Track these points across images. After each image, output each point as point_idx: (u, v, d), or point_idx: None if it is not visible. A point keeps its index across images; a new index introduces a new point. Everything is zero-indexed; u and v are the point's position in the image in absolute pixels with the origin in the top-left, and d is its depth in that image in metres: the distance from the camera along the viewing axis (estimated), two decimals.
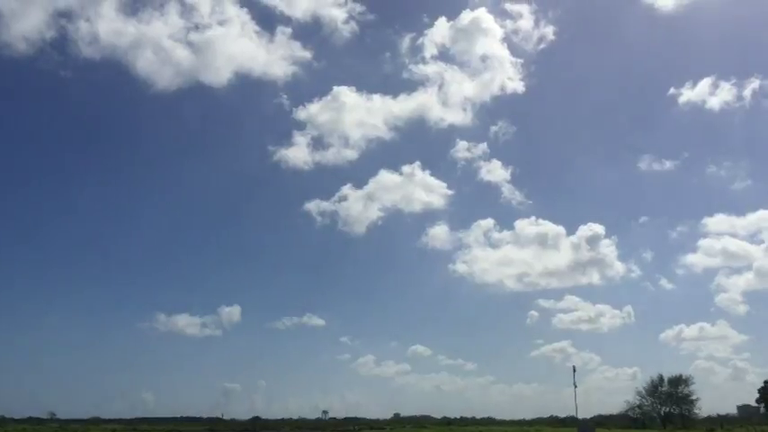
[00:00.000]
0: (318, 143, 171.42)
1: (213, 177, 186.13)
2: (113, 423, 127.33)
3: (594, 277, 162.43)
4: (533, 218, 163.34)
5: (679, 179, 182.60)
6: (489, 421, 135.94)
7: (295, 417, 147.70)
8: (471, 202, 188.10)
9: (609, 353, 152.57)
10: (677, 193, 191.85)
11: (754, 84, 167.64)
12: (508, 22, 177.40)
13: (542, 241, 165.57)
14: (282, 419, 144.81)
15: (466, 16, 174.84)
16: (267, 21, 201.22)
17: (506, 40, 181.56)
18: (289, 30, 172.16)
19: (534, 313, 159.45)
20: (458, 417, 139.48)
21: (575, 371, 79.45)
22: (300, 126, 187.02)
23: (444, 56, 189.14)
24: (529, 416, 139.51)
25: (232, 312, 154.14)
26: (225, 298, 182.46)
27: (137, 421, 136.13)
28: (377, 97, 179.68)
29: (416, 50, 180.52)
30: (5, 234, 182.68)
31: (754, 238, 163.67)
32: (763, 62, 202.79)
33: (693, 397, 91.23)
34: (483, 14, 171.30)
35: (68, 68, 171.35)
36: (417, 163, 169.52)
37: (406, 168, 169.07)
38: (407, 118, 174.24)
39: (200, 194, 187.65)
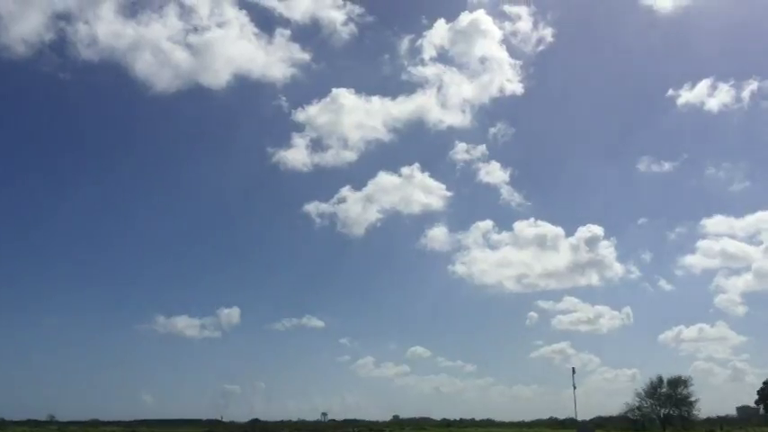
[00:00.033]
0: (317, 145, 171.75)
1: (212, 179, 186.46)
2: (112, 425, 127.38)
3: (593, 278, 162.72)
4: (532, 219, 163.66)
5: (678, 180, 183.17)
6: (489, 423, 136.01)
7: (294, 418, 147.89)
8: (470, 203, 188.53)
9: (608, 354, 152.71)
10: (676, 195, 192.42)
11: (753, 85, 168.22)
12: (507, 24, 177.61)
13: (541, 242, 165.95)
14: (282, 421, 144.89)
15: (464, 18, 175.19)
16: (266, 23, 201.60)
17: (505, 41, 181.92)
18: (287, 32, 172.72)
19: (533, 314, 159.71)
20: (457, 418, 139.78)
21: (574, 372, 79.82)
22: (299, 128, 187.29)
23: (443, 58, 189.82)
24: (528, 417, 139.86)
25: (231, 314, 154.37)
26: (224, 299, 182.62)
27: (136, 423, 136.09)
28: (376, 99, 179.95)
29: (415, 52, 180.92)
30: (4, 235, 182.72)
31: (752, 239, 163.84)
32: (762, 64, 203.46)
33: (693, 398, 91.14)
34: (482, 16, 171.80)
35: (67, 71, 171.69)
36: (416, 164, 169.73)
37: (405, 170, 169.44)
38: (406, 120, 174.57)
39: (199, 196, 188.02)
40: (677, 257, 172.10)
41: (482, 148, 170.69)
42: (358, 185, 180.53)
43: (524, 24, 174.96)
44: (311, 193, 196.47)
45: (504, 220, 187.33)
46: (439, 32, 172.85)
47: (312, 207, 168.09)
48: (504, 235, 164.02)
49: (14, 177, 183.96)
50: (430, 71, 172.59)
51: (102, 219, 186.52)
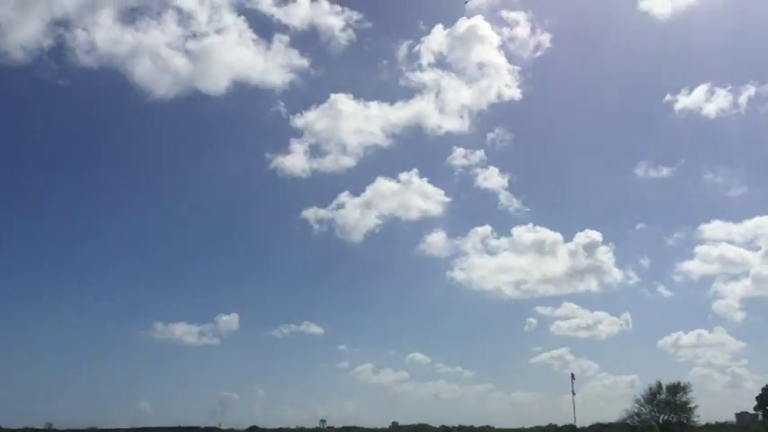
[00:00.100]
0: (316, 151, 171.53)
1: (210, 185, 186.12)
2: None
3: (592, 284, 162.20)
4: (531, 225, 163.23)
5: (676, 186, 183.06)
6: (487, 429, 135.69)
7: (293, 426, 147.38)
8: (469, 209, 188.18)
9: (607, 360, 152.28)
10: (674, 200, 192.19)
11: (750, 91, 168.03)
12: (505, 30, 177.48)
13: (540, 248, 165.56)
14: (280, 428, 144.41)
15: (462, 24, 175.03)
16: (264, 29, 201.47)
17: (503, 47, 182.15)
18: (286, 38, 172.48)
19: (532, 320, 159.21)
20: (456, 425, 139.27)
21: (573, 378, 79.81)
22: (298, 134, 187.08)
23: (441, 63, 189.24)
24: (527, 424, 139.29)
25: (230, 320, 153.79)
26: (223, 306, 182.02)
27: (134, 431, 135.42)
28: (374, 105, 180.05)
29: (413, 58, 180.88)
30: (1, 240, 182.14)
31: (750, 244, 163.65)
32: (759, 69, 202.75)
33: (692, 405, 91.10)
34: (479, 22, 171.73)
35: (66, 77, 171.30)
36: (415, 170, 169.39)
37: (403, 176, 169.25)
38: (404, 125, 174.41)
39: (197, 202, 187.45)
40: (675, 263, 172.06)
41: (480, 153, 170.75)
42: (356, 191, 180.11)
43: (522, 30, 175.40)
44: (310, 199, 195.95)
45: (503, 225, 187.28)
46: (437, 38, 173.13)
47: (310, 213, 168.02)
48: (503, 241, 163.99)
49: (13, 183, 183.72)
50: (428, 77, 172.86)
51: (100, 225, 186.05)
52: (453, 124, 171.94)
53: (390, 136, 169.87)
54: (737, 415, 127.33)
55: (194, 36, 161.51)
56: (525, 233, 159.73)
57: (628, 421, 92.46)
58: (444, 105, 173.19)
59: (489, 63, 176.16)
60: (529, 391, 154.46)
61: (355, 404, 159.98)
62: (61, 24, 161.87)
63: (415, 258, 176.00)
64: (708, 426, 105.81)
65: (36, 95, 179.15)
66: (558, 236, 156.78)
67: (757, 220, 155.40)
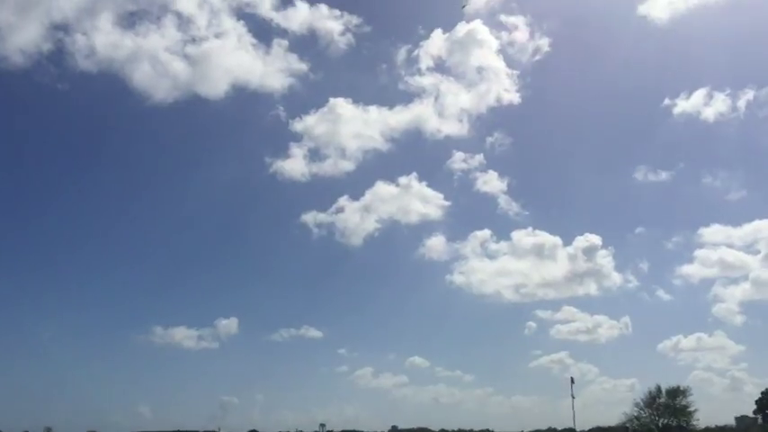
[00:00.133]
0: (315, 155, 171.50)
1: (210, 189, 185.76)
2: None
3: (592, 288, 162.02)
4: (530, 228, 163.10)
5: (675, 190, 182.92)
6: None
7: (292, 430, 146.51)
8: (468, 213, 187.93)
9: (607, 364, 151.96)
10: (673, 204, 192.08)
11: (749, 95, 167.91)
12: (503, 34, 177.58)
13: (539, 252, 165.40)
14: None
15: (461, 28, 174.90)
16: (263, 33, 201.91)
17: (502, 51, 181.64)
18: (285, 42, 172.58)
19: (532, 324, 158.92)
20: (456, 429, 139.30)
21: (573, 382, 79.55)
22: (297, 138, 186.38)
23: (440, 67, 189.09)
24: (527, 428, 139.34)
25: (229, 325, 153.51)
26: (222, 310, 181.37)
27: None
28: (373, 109, 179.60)
29: (412, 62, 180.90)
30: (1, 245, 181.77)
31: (750, 248, 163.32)
32: (757, 73, 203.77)
33: (691, 408, 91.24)
34: (478, 26, 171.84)
35: (65, 81, 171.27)
36: (414, 174, 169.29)
37: (402, 180, 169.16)
38: (404, 129, 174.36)
39: (196, 206, 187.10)
40: (675, 267, 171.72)
41: (479, 157, 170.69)
42: (356, 195, 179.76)
43: (521, 34, 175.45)
44: (309, 203, 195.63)
45: (502, 229, 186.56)
46: (436, 42, 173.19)
47: (310, 217, 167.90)
48: (503, 244, 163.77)
49: (12, 186, 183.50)
50: (427, 81, 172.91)
51: (99, 229, 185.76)
52: (452, 128, 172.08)
53: (389, 140, 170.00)
54: (737, 418, 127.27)
55: (193, 40, 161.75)
56: (525, 237, 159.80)
57: (627, 425, 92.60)
58: (443, 109, 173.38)
59: (488, 67, 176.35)
60: (528, 394, 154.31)
61: (355, 408, 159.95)
62: (61, 29, 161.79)
63: (414, 262, 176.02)
64: (707, 429, 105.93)
65: (35, 100, 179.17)
66: (557, 240, 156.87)
67: (756, 223, 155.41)
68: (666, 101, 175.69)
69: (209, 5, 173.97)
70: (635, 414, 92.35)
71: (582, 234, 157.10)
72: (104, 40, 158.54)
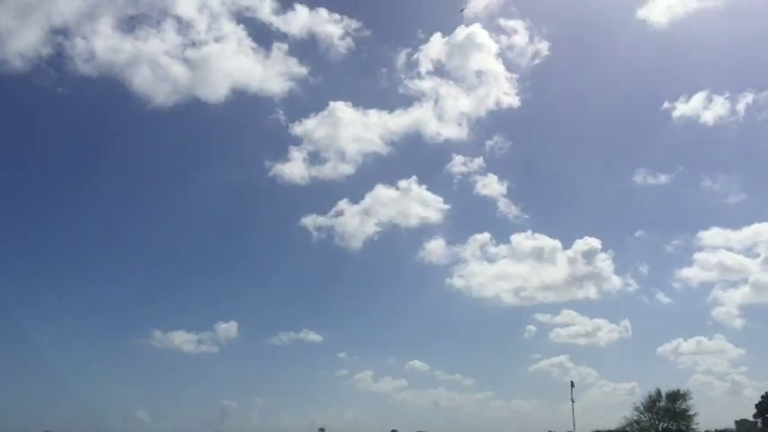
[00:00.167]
0: (315, 158, 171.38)
1: (209, 192, 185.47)
2: None
3: (591, 291, 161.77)
4: (529, 232, 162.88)
5: (674, 193, 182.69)
6: None
7: None
8: (467, 216, 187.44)
9: (606, 367, 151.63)
10: (672, 207, 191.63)
11: (748, 98, 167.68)
12: (503, 38, 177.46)
13: (539, 255, 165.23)
14: None
15: (461, 32, 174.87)
16: (263, 37, 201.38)
17: (501, 55, 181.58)
18: (285, 46, 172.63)
19: (531, 327, 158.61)
20: None
21: (572, 386, 79.14)
22: (297, 141, 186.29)
23: (440, 71, 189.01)
24: (527, 431, 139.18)
25: (229, 328, 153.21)
26: (221, 314, 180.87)
27: None
28: (373, 112, 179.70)
29: (412, 66, 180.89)
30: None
31: (749, 251, 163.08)
32: (756, 77, 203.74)
33: (691, 412, 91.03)
34: (478, 30, 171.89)
35: (65, 85, 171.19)
36: (414, 177, 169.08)
37: (402, 183, 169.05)
38: (403, 133, 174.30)
39: (196, 209, 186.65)
40: (674, 270, 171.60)
41: (479, 160, 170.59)
42: (355, 199, 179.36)
43: (520, 38, 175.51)
44: (309, 207, 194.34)
45: (502, 232, 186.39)
46: (435, 46, 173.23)
47: (309, 220, 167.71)
48: (502, 248, 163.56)
49: (11, 191, 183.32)
50: (427, 84, 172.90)
51: (98, 233, 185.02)
52: (452, 132, 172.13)
53: (389, 143, 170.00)
54: (737, 422, 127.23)
55: (193, 44, 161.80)
56: (524, 240, 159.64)
57: (627, 429, 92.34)
58: (443, 113, 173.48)
59: (488, 71, 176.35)
60: (528, 398, 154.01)
61: (355, 412, 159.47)
62: (60, 33, 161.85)
63: (414, 266, 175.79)
64: None
65: (35, 104, 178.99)
66: (556, 243, 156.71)
67: (756, 226, 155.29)
68: (666, 104, 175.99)
69: (209, 10, 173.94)
70: (635, 418, 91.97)
71: (581, 237, 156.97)
72: (104, 44, 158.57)
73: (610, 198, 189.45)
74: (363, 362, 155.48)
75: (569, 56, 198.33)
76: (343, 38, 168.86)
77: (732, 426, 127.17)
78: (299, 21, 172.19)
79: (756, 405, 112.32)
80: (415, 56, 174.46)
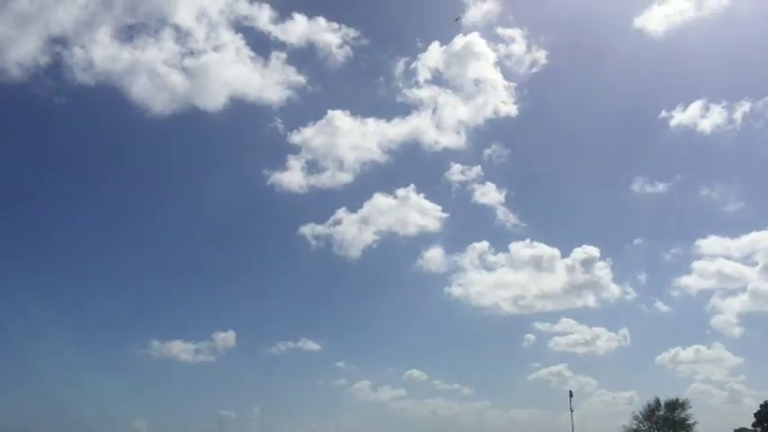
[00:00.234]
0: (313, 167, 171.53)
1: (207, 201, 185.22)
2: None
3: (590, 300, 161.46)
4: (528, 240, 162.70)
5: (672, 201, 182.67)
6: None
7: None
8: (466, 224, 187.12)
9: (605, 376, 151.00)
10: (670, 216, 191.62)
11: (745, 106, 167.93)
12: (501, 47, 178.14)
13: (537, 264, 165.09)
14: None
15: (459, 41, 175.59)
16: (262, 46, 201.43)
17: (499, 64, 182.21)
18: (283, 55, 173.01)
19: (530, 336, 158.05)
20: None
21: (571, 395, 78.98)
22: (295, 150, 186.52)
23: (438, 80, 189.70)
24: None
25: (226, 338, 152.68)
26: (219, 323, 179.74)
27: None
28: (371, 121, 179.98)
29: (410, 75, 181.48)
30: None
31: (748, 259, 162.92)
32: (753, 85, 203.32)
33: (690, 421, 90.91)
34: (476, 39, 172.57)
35: (63, 94, 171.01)
36: (412, 186, 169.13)
37: (400, 191, 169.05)
38: (402, 141, 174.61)
39: (193, 218, 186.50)
40: (673, 278, 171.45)
41: (477, 169, 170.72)
42: (354, 207, 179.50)
43: (518, 47, 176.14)
44: (307, 216, 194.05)
45: (500, 241, 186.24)
46: (433, 55, 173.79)
47: (308, 229, 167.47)
48: (500, 256, 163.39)
49: (8, 199, 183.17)
50: (425, 93, 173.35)
51: (96, 242, 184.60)
52: (450, 140, 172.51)
53: (387, 152, 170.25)
54: (736, 431, 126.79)
55: (192, 53, 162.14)
56: (523, 249, 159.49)
57: None
58: (441, 122, 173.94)
59: (485, 79, 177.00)
60: (527, 407, 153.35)
61: (353, 421, 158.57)
62: (58, 42, 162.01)
63: (412, 274, 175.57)
64: None
65: (33, 113, 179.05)
66: (555, 251, 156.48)
67: (754, 235, 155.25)
68: (663, 113, 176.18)
69: (208, 19, 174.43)
70: (634, 427, 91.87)
71: (580, 246, 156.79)
72: (102, 53, 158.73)
73: (608, 206, 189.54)
74: (362, 371, 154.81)
75: (567, 64, 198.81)
76: (341, 46, 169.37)
77: None
78: (298, 30, 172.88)
79: (755, 414, 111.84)
80: (414, 64, 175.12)
